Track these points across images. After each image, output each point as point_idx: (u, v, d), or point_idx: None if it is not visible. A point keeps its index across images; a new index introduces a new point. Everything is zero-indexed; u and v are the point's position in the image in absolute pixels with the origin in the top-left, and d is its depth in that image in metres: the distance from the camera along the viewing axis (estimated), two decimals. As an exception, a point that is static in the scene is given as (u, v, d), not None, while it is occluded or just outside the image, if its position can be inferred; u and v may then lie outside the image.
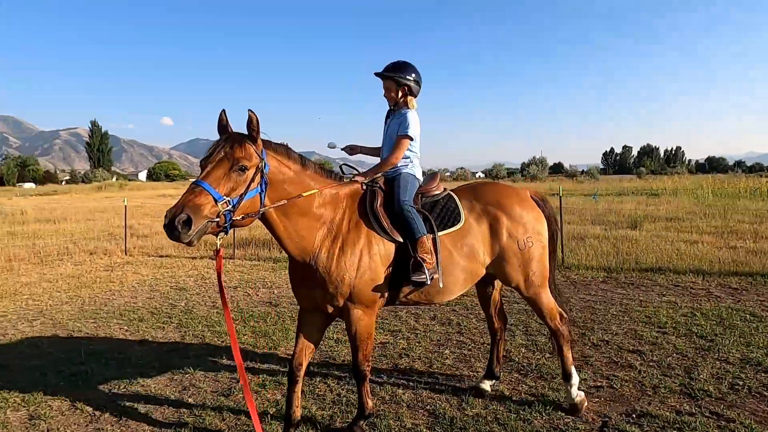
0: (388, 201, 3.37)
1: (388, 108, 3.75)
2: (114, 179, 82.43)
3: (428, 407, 3.81)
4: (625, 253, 9.59)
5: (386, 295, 3.31)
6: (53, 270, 9.87)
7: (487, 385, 4.03)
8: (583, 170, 79.86)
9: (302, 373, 3.37)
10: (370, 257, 3.19)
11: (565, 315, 3.88)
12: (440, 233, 3.41)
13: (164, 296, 7.65)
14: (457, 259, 3.46)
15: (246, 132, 2.85)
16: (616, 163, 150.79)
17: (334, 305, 3.18)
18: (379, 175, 3.50)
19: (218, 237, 2.78)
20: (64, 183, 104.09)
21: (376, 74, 3.62)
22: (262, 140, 2.94)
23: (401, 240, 3.26)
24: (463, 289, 3.63)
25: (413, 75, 3.58)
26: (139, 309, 6.90)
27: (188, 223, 2.49)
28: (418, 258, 3.21)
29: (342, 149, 3.78)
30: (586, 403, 3.71)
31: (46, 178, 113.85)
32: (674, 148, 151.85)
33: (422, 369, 4.54)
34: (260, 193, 2.87)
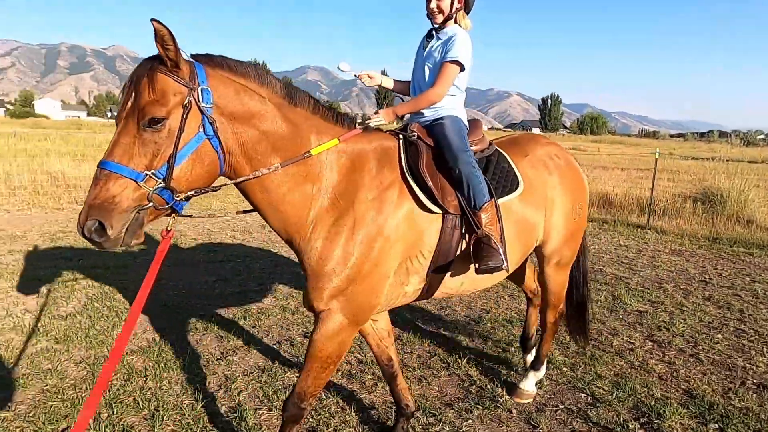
0: (435, 157, 2.40)
1: (429, 29, 2.64)
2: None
3: (684, 384, 3.53)
4: None
5: (424, 286, 2.38)
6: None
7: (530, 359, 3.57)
8: None
9: (395, 365, 2.72)
10: (414, 239, 2.24)
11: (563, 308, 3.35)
12: (500, 201, 2.48)
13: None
14: (515, 235, 2.56)
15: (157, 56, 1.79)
16: None
17: (316, 307, 2.15)
18: (412, 117, 2.57)
19: (171, 218, 1.94)
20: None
21: None
22: (196, 57, 1.92)
23: (452, 211, 2.29)
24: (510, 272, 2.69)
25: None
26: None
27: (101, 229, 1.72)
28: (485, 233, 2.27)
29: (357, 75, 2.65)
30: (530, 401, 3.22)
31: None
32: None
33: (683, 346, 4.15)
34: (212, 141, 1.87)
